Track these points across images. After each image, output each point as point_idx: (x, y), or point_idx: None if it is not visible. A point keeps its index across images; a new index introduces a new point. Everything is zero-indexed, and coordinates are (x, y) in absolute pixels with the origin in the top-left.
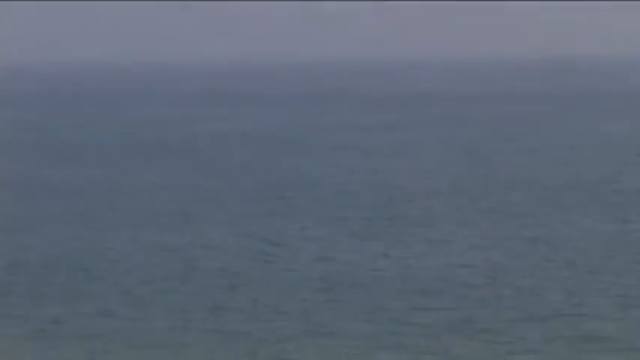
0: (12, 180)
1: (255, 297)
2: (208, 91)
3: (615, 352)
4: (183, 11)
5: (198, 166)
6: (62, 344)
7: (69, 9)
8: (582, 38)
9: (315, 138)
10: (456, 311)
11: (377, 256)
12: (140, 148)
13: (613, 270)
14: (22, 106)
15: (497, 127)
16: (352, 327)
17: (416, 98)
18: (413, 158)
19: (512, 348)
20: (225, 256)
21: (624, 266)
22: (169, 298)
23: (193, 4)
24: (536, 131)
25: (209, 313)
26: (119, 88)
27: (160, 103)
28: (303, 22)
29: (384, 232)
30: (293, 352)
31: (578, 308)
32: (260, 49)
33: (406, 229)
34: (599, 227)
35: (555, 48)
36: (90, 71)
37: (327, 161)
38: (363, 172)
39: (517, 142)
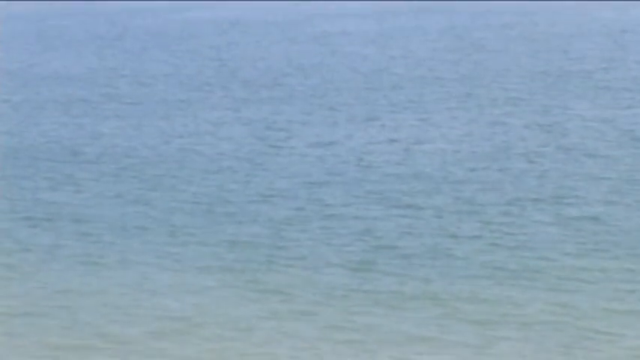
0: (9, 68)
1: (258, 180)
2: None
3: (606, 233)
4: None
5: (195, 54)
6: (59, 226)
7: None
8: None
9: (308, 25)
10: (456, 194)
11: (377, 140)
12: (137, 35)
13: (609, 155)
14: None
15: (493, 14)
16: (354, 210)
17: None
18: (408, 45)
19: (509, 230)
20: (227, 141)
21: (620, 151)
22: (171, 182)
23: None
24: (533, 19)
25: (212, 196)
26: None
27: None
28: None
29: (382, 118)
30: (296, 232)
31: (574, 192)
32: None
33: (405, 114)
34: (596, 114)
35: None
36: None
37: (320, 49)
38: (358, 60)
39: (513, 30)
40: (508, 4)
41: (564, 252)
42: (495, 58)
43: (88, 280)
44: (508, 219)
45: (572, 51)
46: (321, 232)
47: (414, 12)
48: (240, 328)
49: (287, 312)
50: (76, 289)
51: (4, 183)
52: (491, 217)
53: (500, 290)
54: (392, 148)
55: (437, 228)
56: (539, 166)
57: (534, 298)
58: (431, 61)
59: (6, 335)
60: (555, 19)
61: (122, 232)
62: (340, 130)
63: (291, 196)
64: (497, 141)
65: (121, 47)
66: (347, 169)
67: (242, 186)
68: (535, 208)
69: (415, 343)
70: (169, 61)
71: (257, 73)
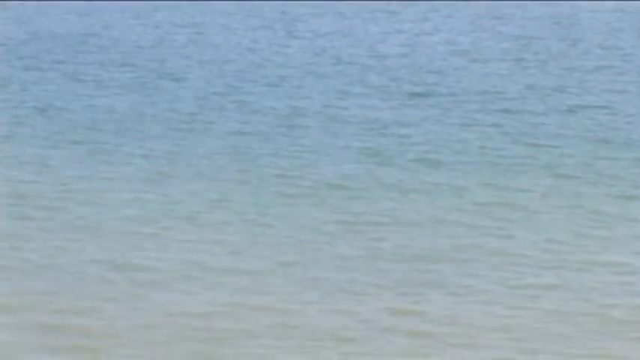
0: None
1: (265, 71)
2: None
3: (614, 122)
4: None
5: None
6: (66, 116)
7: None
8: None
9: None
10: (461, 84)
11: (385, 31)
12: None
13: (616, 45)
14: None
15: None
16: (360, 99)
17: None
18: None
19: (516, 118)
20: (233, 32)
21: (627, 44)
22: (177, 72)
23: None
24: None
25: (218, 85)
26: None
27: None
28: None
29: (390, 9)
30: (302, 121)
31: (581, 82)
32: None
33: (412, 6)
34: (599, 6)
35: None
36: None
37: None
38: None
39: None
40: None
41: (570, 141)
42: None
43: (94, 171)
44: (514, 106)
45: None
46: (327, 121)
47: None
48: (244, 215)
49: (291, 197)
50: (81, 180)
51: (11, 73)
52: (496, 107)
53: (507, 178)
54: (400, 39)
55: (442, 117)
56: (545, 56)
57: (541, 185)
58: None
59: (6, 218)
60: None
61: (129, 122)
62: (347, 21)
63: (297, 86)
64: (503, 32)
65: None
66: (355, 59)
67: (249, 75)
68: (542, 98)
69: (416, 227)
70: None
71: None
